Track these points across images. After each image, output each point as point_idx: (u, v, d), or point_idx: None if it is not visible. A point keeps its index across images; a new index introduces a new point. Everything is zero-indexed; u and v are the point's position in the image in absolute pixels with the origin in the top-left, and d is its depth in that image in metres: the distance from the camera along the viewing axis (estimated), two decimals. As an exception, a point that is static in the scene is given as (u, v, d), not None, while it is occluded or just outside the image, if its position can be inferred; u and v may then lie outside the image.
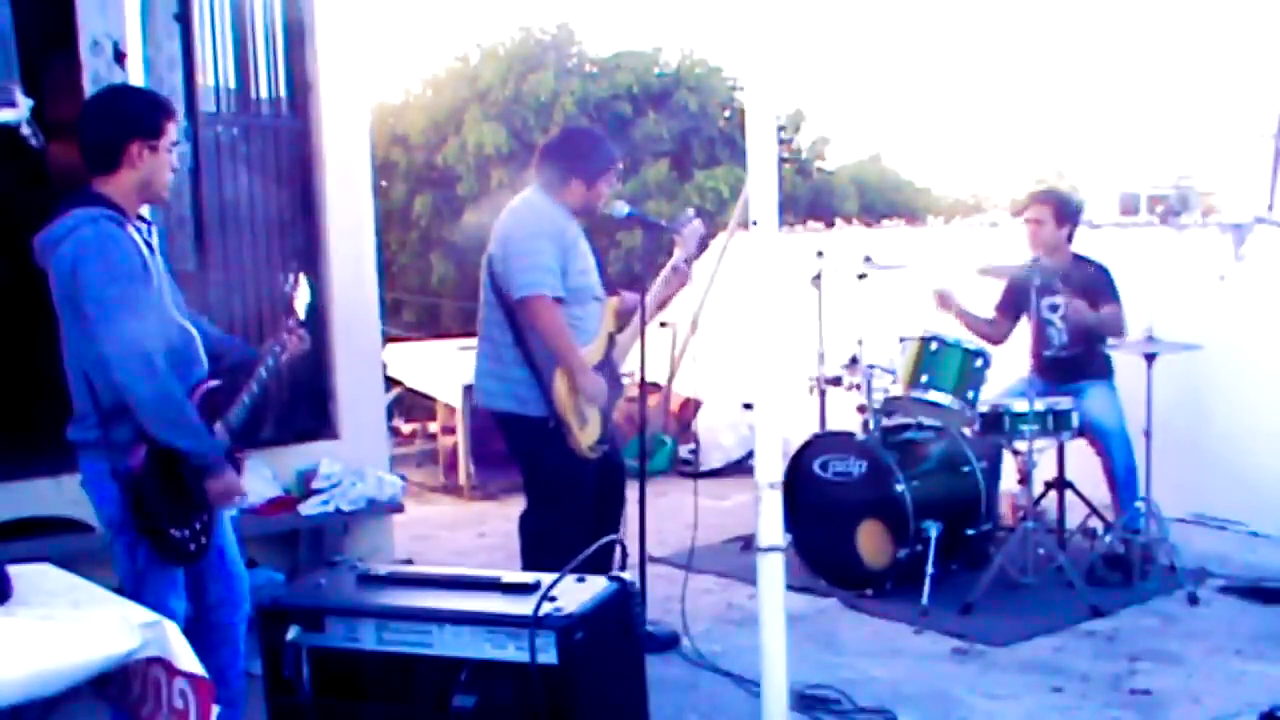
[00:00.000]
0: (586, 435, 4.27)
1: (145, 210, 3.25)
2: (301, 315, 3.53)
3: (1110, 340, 5.45)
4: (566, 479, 4.29)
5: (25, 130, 4.43)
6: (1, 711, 2.22)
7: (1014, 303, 5.68)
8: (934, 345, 5.17)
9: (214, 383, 3.27)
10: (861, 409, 5.31)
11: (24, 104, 4.46)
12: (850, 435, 5.28)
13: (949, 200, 18.44)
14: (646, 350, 4.36)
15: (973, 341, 5.34)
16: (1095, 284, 5.45)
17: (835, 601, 5.13)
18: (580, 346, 4.25)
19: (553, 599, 2.82)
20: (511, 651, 2.80)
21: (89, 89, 4.59)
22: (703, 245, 4.83)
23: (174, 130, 3.20)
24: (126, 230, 3.08)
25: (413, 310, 13.66)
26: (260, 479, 5.10)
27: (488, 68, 13.65)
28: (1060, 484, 5.55)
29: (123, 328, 2.96)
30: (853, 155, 16.54)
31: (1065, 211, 5.62)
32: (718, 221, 10.91)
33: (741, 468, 7.37)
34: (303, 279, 3.58)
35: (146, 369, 2.98)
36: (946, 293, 5.64)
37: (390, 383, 7.40)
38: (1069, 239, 5.61)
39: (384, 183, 13.26)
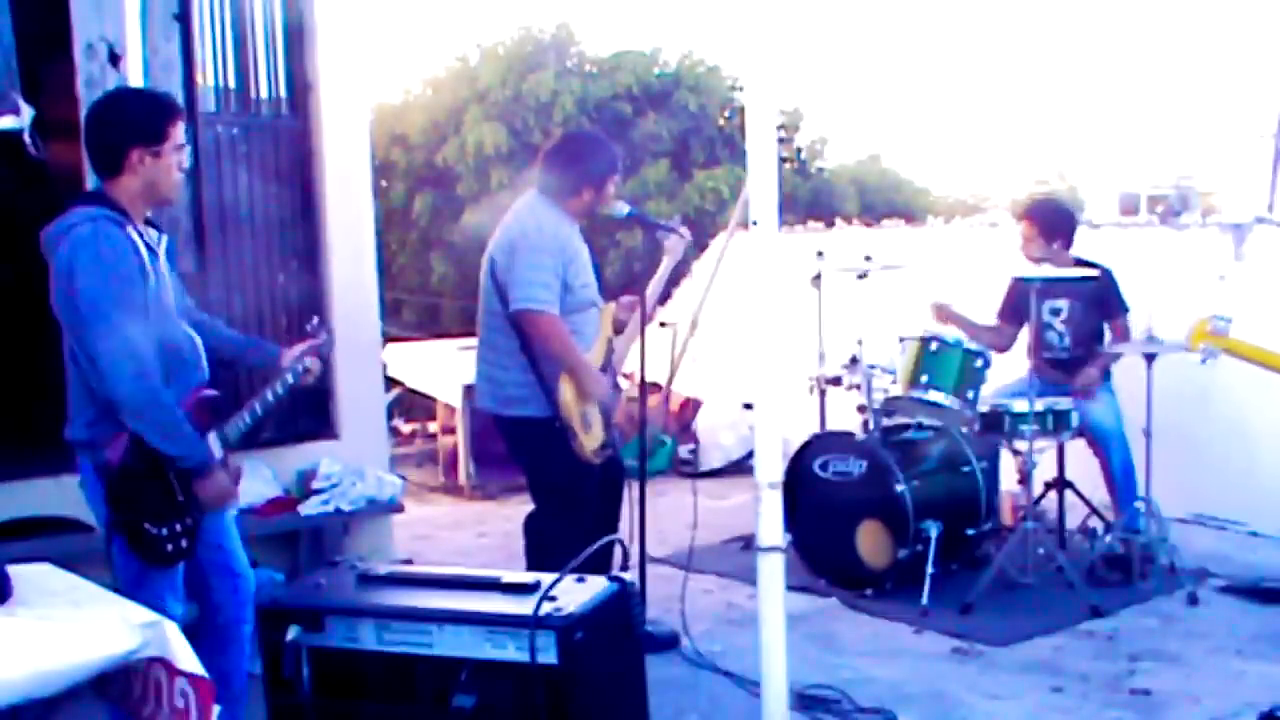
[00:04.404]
0: (590, 440, 4.27)
1: (149, 215, 3.26)
2: (321, 358, 3.55)
3: (1107, 341, 5.47)
4: (573, 480, 4.29)
5: (26, 139, 4.44)
6: (1, 711, 2.22)
7: (1016, 309, 5.67)
8: (934, 345, 5.17)
9: (211, 392, 3.27)
10: (861, 409, 5.31)
11: (26, 112, 4.47)
12: (850, 435, 5.28)
13: (949, 200, 18.46)
14: (646, 350, 4.36)
15: (973, 342, 5.34)
16: (1103, 294, 5.46)
17: (835, 601, 5.13)
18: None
19: (553, 599, 2.82)
20: (511, 651, 2.80)
21: (82, 92, 4.59)
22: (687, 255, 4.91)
23: (178, 132, 3.18)
24: (126, 231, 3.07)
25: (413, 310, 13.67)
26: (260, 479, 5.10)
27: (488, 68, 13.65)
28: (1060, 484, 5.56)
29: (112, 328, 2.96)
30: (852, 155, 16.59)
31: (1050, 225, 5.58)
32: (718, 221, 10.92)
33: (741, 468, 7.37)
34: (327, 330, 3.60)
35: (133, 370, 2.98)
36: (944, 305, 5.64)
37: (390, 383, 7.40)
38: (1067, 245, 5.60)
39: (384, 183, 13.27)
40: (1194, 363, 5.25)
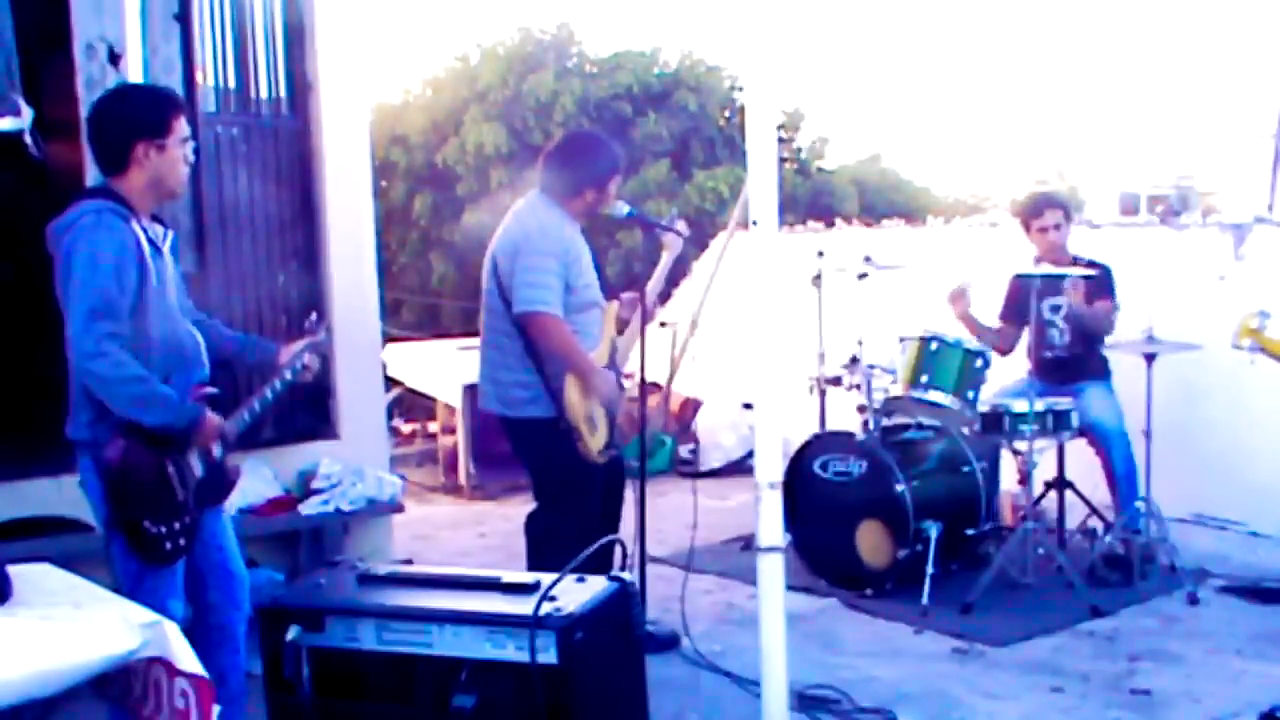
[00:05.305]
0: (596, 440, 4.28)
1: (155, 211, 3.26)
2: (319, 354, 3.57)
3: (1107, 340, 5.47)
4: (578, 480, 4.29)
5: (27, 139, 4.45)
6: (1, 711, 2.22)
7: (1018, 309, 5.67)
8: (934, 345, 5.17)
9: (211, 389, 3.27)
10: (861, 409, 5.30)
11: (26, 113, 4.48)
12: (850, 435, 5.28)
13: (949, 200, 18.45)
14: (646, 350, 4.36)
15: (973, 341, 5.34)
16: (1101, 290, 5.47)
17: (835, 601, 5.13)
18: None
19: (553, 599, 2.82)
20: (511, 651, 2.80)
21: (82, 92, 4.59)
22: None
23: (182, 125, 3.19)
24: (130, 226, 3.08)
25: (413, 310, 13.66)
26: (260, 479, 5.10)
27: (488, 68, 13.64)
28: (1060, 484, 5.55)
29: (89, 311, 2.97)
30: (853, 155, 16.58)
31: (1071, 212, 5.71)
32: (718, 221, 10.91)
33: (741, 468, 7.37)
34: (325, 327, 3.63)
35: (100, 349, 2.96)
36: (964, 289, 5.60)
37: (390, 383, 7.40)
38: None
39: (384, 183, 13.26)
40: (1194, 362, 5.27)
